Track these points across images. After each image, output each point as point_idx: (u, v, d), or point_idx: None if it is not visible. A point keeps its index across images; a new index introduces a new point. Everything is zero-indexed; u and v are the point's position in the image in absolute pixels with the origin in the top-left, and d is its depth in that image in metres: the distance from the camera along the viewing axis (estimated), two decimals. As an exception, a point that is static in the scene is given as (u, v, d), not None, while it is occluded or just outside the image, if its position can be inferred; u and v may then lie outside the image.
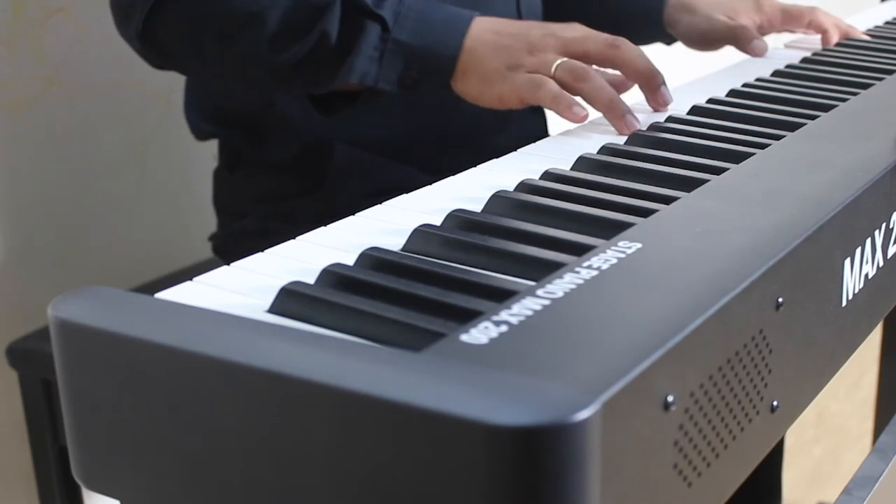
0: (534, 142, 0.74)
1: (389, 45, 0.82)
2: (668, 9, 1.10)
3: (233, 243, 1.04)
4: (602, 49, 0.79)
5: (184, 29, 0.87)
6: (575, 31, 0.81)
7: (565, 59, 0.78)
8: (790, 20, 1.07)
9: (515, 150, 0.72)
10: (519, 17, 1.04)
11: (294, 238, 0.56)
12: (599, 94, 0.76)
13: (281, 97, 0.98)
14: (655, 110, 0.80)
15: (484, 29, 0.81)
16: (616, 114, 0.75)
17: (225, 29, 0.85)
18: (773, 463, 1.28)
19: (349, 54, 0.82)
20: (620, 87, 0.82)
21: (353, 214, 0.59)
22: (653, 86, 0.79)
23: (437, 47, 0.81)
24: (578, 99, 0.78)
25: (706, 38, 1.08)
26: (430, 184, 0.65)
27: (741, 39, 1.03)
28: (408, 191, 0.64)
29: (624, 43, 0.79)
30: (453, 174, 0.67)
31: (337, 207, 0.94)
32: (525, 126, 1.06)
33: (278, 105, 0.99)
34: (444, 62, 0.81)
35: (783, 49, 1.06)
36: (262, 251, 0.54)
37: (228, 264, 0.53)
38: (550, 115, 1.11)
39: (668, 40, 1.13)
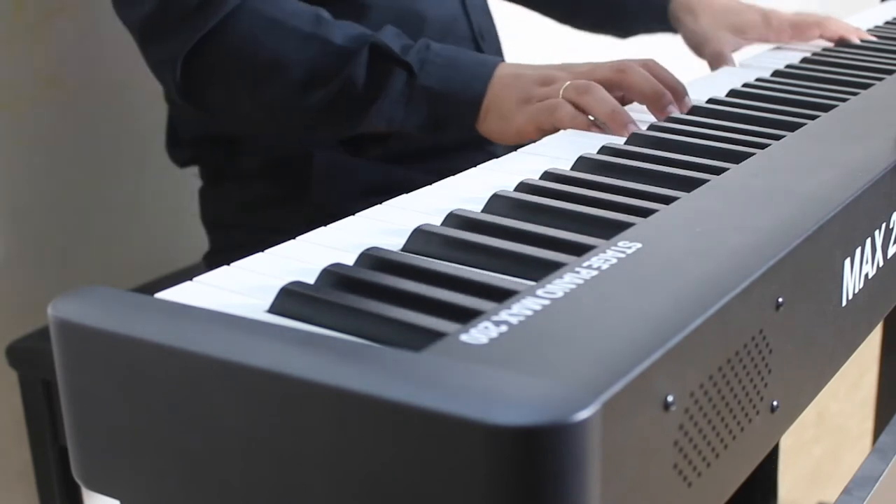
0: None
1: (416, 91, 0.84)
2: (672, 6, 1.11)
3: (226, 259, 1.05)
4: (609, 74, 0.81)
5: (216, 79, 0.89)
6: (587, 65, 0.83)
7: (570, 82, 0.80)
8: (799, 34, 1.06)
9: (493, 148, 0.73)
10: (465, 10, 1.05)
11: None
12: (602, 106, 0.77)
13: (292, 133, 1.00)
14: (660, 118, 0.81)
15: (505, 73, 0.84)
16: (618, 123, 0.76)
17: (253, 77, 0.87)
18: (769, 463, 1.28)
19: (376, 100, 0.84)
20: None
21: (343, 216, 0.59)
22: (660, 106, 0.80)
23: (461, 93, 0.84)
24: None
25: (698, 51, 1.09)
26: (414, 179, 0.65)
27: (716, 68, 1.04)
28: (394, 187, 0.64)
29: (630, 67, 0.81)
30: (439, 167, 0.67)
31: (326, 211, 0.95)
32: None
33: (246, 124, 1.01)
34: (469, 107, 0.84)
35: (782, 50, 1.06)
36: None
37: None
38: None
39: (675, 32, 1.14)
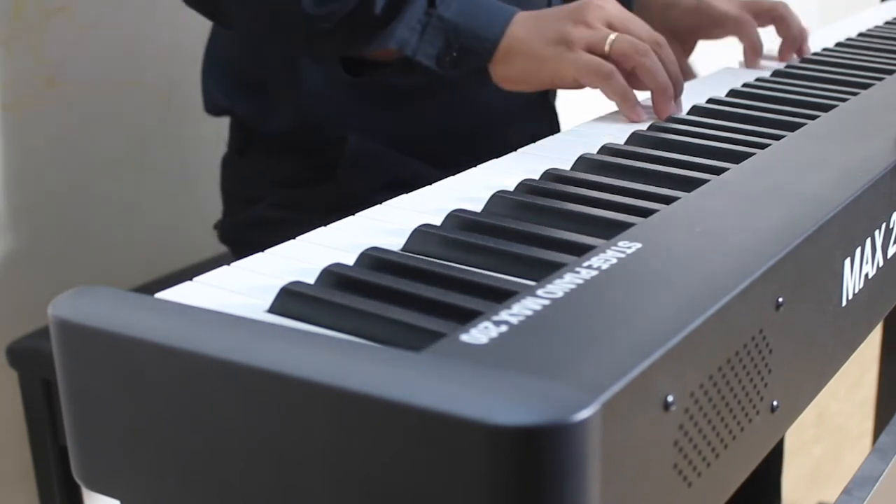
0: (542, 138, 0.74)
1: (433, 20, 0.82)
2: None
3: (241, 231, 1.03)
4: (650, 41, 0.79)
5: None
6: (617, 10, 0.81)
7: (618, 34, 0.78)
8: (718, 27, 1.02)
9: (524, 145, 0.72)
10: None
11: (300, 231, 0.56)
12: (658, 74, 0.77)
13: (307, 64, 0.97)
14: (660, 118, 0.80)
15: (527, 16, 0.82)
16: (666, 96, 0.76)
17: None
18: (772, 463, 1.28)
19: (391, 20, 0.82)
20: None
21: (362, 206, 0.59)
22: (677, 92, 0.79)
23: (480, 28, 0.82)
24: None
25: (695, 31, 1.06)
26: (439, 178, 0.65)
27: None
28: (416, 185, 0.64)
29: (666, 44, 0.80)
30: (462, 169, 0.67)
31: (346, 198, 0.93)
32: (533, 121, 1.06)
33: (296, 82, 0.97)
34: (486, 43, 0.82)
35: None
36: (269, 242, 0.54)
37: (234, 253, 0.52)
38: (562, 113, 1.11)
39: None
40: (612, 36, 0.78)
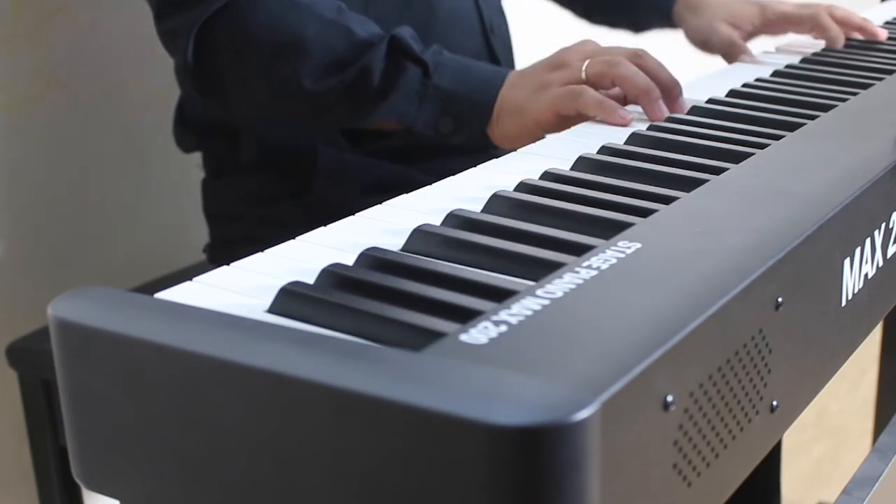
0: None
1: (430, 90, 0.85)
2: (676, 6, 1.12)
3: (226, 250, 1.05)
4: (628, 56, 0.80)
5: (229, 54, 0.89)
6: (592, 45, 0.83)
7: (591, 59, 0.80)
8: (791, 25, 1.07)
9: (497, 151, 0.73)
10: (483, 29, 1.06)
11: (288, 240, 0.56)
12: (636, 79, 0.78)
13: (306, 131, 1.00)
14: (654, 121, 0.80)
15: (514, 75, 0.85)
16: (650, 98, 0.77)
17: (269, 55, 0.87)
18: (771, 463, 1.28)
19: (390, 93, 0.84)
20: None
21: (345, 214, 0.59)
22: (673, 96, 0.80)
23: (474, 95, 0.84)
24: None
25: (706, 45, 1.10)
26: (418, 178, 0.65)
27: (733, 56, 1.05)
28: (396, 186, 0.64)
29: (646, 54, 0.81)
30: (441, 167, 0.68)
31: (328, 208, 0.95)
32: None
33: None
34: (481, 109, 0.84)
35: (782, 51, 1.06)
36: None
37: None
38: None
39: (674, 27, 1.15)
40: (586, 62, 0.80)
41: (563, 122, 0.80)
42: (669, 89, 0.80)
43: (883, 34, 1.06)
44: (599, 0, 1.22)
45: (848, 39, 1.06)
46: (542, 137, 0.76)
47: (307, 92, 0.86)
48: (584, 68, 0.80)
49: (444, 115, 0.85)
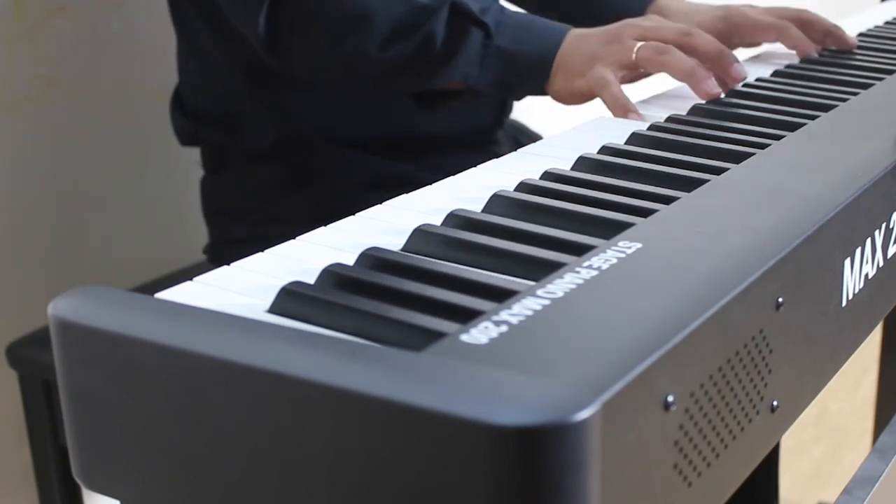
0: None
1: (491, 51, 0.88)
2: (648, 10, 1.13)
3: (226, 250, 1.06)
4: (676, 37, 0.84)
5: (299, 29, 0.92)
6: (651, 21, 0.86)
7: (642, 43, 0.84)
8: (757, 31, 1.04)
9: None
10: None
11: (289, 240, 0.56)
12: (681, 63, 0.81)
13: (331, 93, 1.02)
14: (732, 86, 0.85)
15: (574, 35, 0.88)
16: (696, 79, 0.80)
17: (336, 27, 0.90)
18: (769, 464, 1.28)
19: (453, 57, 0.88)
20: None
21: (344, 211, 0.59)
22: (725, 65, 0.84)
23: (534, 54, 0.88)
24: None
25: None
26: (415, 175, 0.66)
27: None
28: (395, 182, 0.64)
29: (696, 31, 0.85)
30: (440, 164, 0.68)
31: (327, 205, 0.96)
32: (477, 117, 1.10)
33: (253, 101, 1.03)
34: (539, 67, 0.87)
35: (783, 51, 1.06)
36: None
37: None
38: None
39: None
40: (637, 46, 0.83)
41: (594, 97, 0.85)
42: (721, 60, 0.83)
43: (853, 42, 1.02)
44: (573, 8, 1.23)
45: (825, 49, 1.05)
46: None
47: (374, 61, 0.89)
48: (634, 52, 0.83)
49: (506, 73, 0.88)
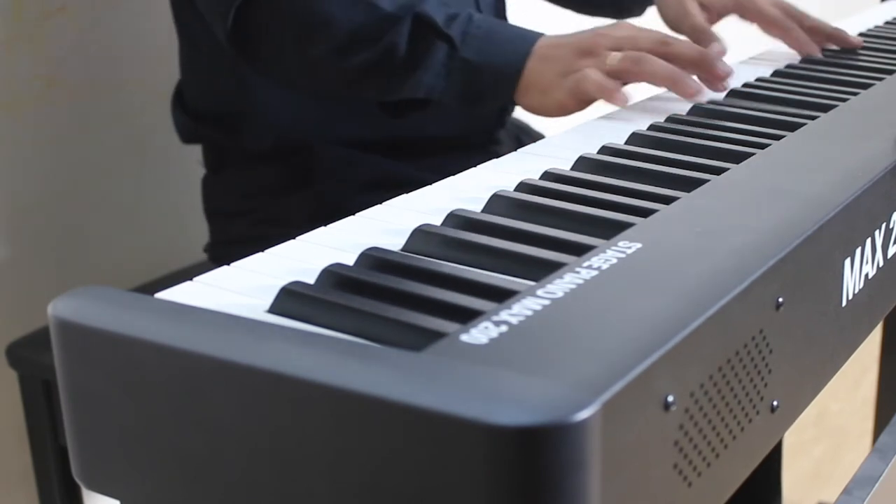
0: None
1: (456, 63, 0.86)
2: None
3: (226, 249, 1.06)
4: (654, 47, 0.82)
5: (265, 32, 0.91)
6: (625, 31, 0.84)
7: (614, 53, 0.82)
8: (762, 19, 1.04)
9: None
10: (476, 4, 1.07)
11: (289, 240, 0.56)
12: (660, 70, 0.80)
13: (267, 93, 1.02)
14: (719, 89, 0.83)
15: (544, 46, 0.85)
16: (676, 82, 0.79)
17: (300, 33, 0.89)
18: (772, 463, 1.28)
19: (416, 70, 0.86)
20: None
21: (345, 211, 0.59)
22: (708, 66, 0.82)
23: (500, 66, 0.85)
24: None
25: (676, 25, 1.07)
26: (416, 175, 0.66)
27: (701, 44, 1.01)
28: (395, 183, 0.64)
29: (672, 39, 0.83)
30: (440, 165, 0.68)
31: (328, 206, 0.96)
32: (479, 118, 1.09)
33: (253, 101, 1.02)
34: (507, 80, 0.85)
35: (783, 50, 1.06)
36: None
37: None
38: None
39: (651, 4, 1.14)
40: (610, 57, 0.82)
41: (584, 104, 0.83)
42: (702, 63, 0.82)
43: (857, 41, 1.03)
44: None
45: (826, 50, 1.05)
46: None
47: (334, 68, 0.89)
48: (608, 61, 0.81)
49: (472, 86, 0.87)
